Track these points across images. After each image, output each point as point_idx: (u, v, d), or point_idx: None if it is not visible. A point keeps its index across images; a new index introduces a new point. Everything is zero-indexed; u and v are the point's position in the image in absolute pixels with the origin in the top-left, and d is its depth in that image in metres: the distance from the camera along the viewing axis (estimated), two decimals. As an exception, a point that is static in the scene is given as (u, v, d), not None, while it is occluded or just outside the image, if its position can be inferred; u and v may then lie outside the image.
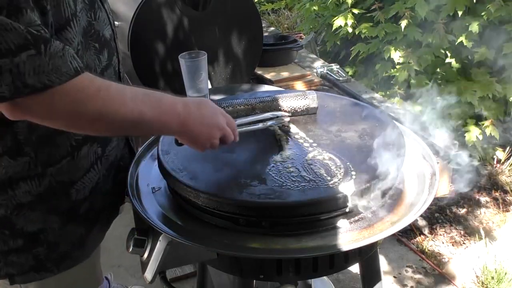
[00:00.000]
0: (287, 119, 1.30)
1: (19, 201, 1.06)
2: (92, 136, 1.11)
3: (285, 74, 2.48)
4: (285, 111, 1.34)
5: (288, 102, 1.34)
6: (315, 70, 2.57)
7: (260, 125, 1.25)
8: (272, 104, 1.34)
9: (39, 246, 1.11)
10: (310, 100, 1.35)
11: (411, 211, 1.10)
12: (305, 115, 1.36)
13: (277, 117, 1.29)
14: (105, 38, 1.12)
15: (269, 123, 1.27)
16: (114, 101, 0.93)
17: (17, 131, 1.01)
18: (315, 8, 3.55)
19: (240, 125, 1.18)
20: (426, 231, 2.46)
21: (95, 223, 1.20)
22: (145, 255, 1.10)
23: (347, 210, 1.07)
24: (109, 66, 1.15)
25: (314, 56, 2.88)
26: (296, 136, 1.26)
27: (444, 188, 1.36)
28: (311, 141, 1.24)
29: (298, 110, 1.35)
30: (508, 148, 2.89)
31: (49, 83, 0.85)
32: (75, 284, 1.24)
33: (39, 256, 1.12)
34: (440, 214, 2.59)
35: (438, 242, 2.42)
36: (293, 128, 1.30)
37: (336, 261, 1.13)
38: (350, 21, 3.12)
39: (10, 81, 0.83)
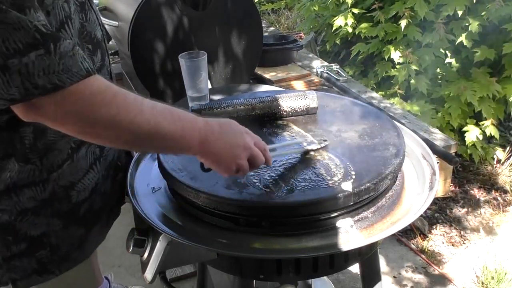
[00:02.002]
0: (317, 146, 1.19)
1: (23, 207, 1.05)
2: None
3: (285, 74, 2.48)
4: (284, 111, 1.34)
5: (288, 102, 1.34)
6: (315, 70, 2.57)
7: (295, 148, 1.17)
8: (272, 104, 1.34)
9: (42, 249, 1.11)
10: (310, 100, 1.35)
11: (411, 211, 1.10)
12: (305, 115, 1.36)
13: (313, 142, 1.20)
14: (97, 39, 1.11)
15: (307, 146, 1.18)
16: (130, 109, 0.87)
17: (24, 136, 1.00)
18: (315, 8, 3.55)
19: (273, 149, 1.10)
20: (426, 231, 2.46)
21: (95, 224, 1.20)
22: (145, 255, 1.11)
23: (348, 210, 1.07)
24: (102, 66, 1.14)
25: (314, 56, 2.88)
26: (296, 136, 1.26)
27: (444, 188, 1.36)
28: (311, 141, 1.24)
29: (298, 110, 1.35)
30: (508, 148, 2.89)
31: (60, 83, 0.82)
32: (73, 284, 1.24)
33: (42, 260, 1.11)
34: (440, 214, 2.60)
35: (438, 242, 2.42)
36: (293, 128, 1.30)
37: (336, 261, 1.13)
38: (350, 21, 3.12)
39: (19, 82, 0.80)
